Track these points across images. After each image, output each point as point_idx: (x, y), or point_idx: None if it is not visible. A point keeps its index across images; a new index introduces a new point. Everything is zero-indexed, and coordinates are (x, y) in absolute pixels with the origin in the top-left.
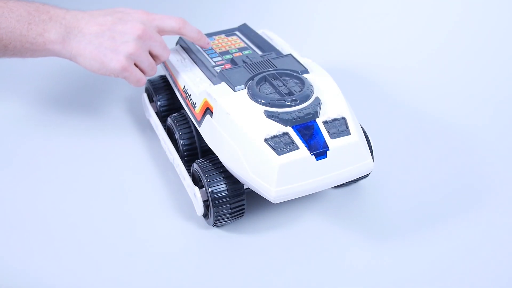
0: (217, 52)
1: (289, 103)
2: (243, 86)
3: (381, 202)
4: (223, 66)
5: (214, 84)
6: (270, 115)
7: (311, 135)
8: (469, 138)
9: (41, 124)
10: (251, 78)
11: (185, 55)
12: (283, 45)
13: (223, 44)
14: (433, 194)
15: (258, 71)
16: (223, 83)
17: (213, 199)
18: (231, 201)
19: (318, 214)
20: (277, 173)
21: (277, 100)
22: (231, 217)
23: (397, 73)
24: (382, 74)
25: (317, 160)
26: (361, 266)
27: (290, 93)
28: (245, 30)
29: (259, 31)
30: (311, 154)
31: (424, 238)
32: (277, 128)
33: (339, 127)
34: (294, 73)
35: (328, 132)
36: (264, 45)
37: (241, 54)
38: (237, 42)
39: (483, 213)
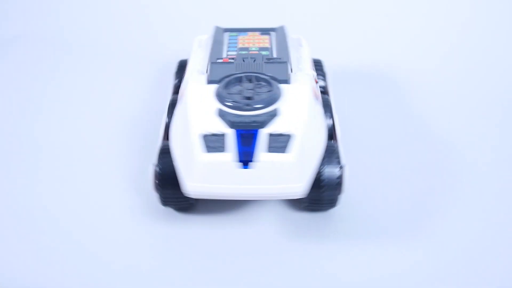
0: (238, 46)
1: (244, 107)
2: (217, 81)
3: (375, 203)
4: (223, 59)
5: (200, 74)
6: (221, 114)
7: (249, 143)
8: (468, 139)
9: (40, 120)
10: (229, 76)
11: (207, 44)
12: (304, 56)
13: (249, 41)
14: (431, 194)
15: (242, 71)
16: (205, 74)
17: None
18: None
19: (312, 215)
20: (197, 168)
21: (233, 102)
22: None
23: (398, 73)
24: (383, 74)
25: (243, 168)
26: (358, 267)
27: (250, 98)
28: (280, 32)
29: (294, 36)
30: (239, 161)
31: (423, 238)
32: (219, 128)
33: (281, 143)
34: (271, 80)
35: (268, 145)
36: (282, 50)
37: (257, 53)
38: (264, 41)
39: (483, 213)
